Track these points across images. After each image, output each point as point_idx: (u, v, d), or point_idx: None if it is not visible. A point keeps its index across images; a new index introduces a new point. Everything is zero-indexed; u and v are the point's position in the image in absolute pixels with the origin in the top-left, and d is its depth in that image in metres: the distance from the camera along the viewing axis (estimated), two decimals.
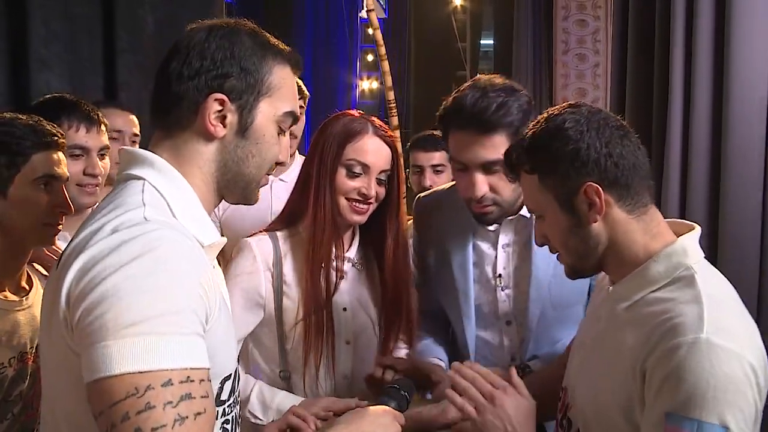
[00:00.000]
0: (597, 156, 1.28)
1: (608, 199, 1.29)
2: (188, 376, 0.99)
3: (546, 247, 1.80)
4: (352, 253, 1.91)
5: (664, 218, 1.37)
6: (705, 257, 1.34)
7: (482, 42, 9.30)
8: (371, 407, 1.36)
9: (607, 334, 1.34)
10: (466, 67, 8.86)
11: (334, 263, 1.85)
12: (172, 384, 0.97)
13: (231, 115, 1.21)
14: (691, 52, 2.26)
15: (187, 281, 1.04)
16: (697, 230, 1.36)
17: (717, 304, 1.22)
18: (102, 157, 2.07)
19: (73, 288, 1.02)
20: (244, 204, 1.33)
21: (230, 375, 1.22)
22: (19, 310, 1.65)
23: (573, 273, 1.42)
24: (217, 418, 1.18)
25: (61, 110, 1.98)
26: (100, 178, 2.05)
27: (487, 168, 1.74)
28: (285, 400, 1.77)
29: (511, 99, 1.72)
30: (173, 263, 1.04)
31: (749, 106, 2.11)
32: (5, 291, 1.64)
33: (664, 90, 2.36)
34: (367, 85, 9.80)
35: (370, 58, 9.51)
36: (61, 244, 1.85)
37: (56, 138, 1.67)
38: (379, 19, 9.21)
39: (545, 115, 1.35)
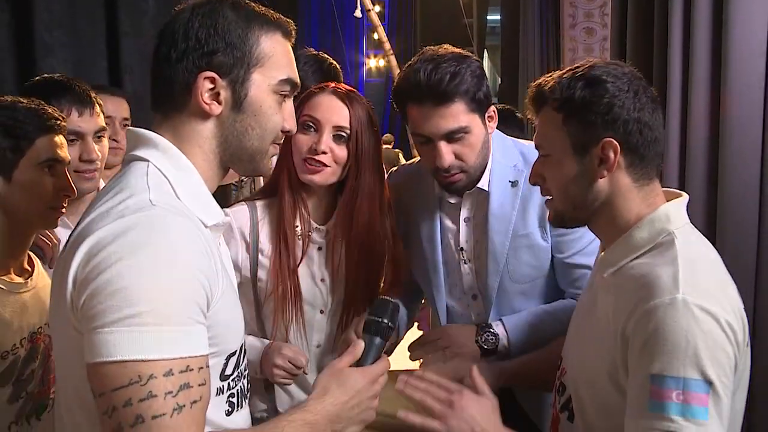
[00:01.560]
0: (628, 117, 1.30)
1: (620, 161, 1.31)
2: (188, 365, 1.04)
3: (502, 222, 1.85)
4: (331, 224, 1.89)
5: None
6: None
7: (489, 17, 9.23)
8: (343, 373, 1.31)
9: (595, 301, 1.38)
10: (473, 43, 8.81)
11: (299, 230, 1.85)
12: (172, 374, 1.02)
13: (224, 91, 1.21)
14: (690, 23, 2.26)
15: (189, 271, 1.08)
16: (684, 197, 1.39)
17: (693, 264, 1.25)
18: (99, 140, 1.99)
19: (79, 271, 1.05)
20: (257, 175, 1.34)
21: (235, 351, 1.25)
22: (25, 292, 1.69)
23: (558, 219, 1.44)
24: (222, 393, 1.22)
25: (51, 93, 1.91)
26: (98, 162, 1.98)
27: (450, 137, 1.76)
28: (251, 351, 1.77)
29: (463, 66, 1.73)
30: (176, 253, 1.07)
31: (747, 85, 2.10)
32: (10, 273, 1.68)
33: (662, 69, 2.36)
34: (374, 63, 9.76)
35: (376, 36, 9.47)
36: (59, 229, 1.89)
37: (58, 121, 1.69)
38: None
39: (589, 62, 1.36)
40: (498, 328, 1.87)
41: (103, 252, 1.04)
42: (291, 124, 1.32)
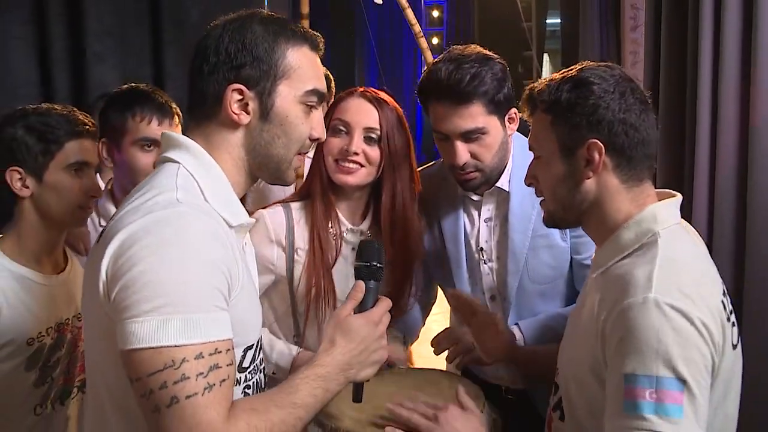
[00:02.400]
0: (612, 119, 1.30)
1: (606, 162, 1.32)
2: (216, 348, 1.12)
3: (522, 221, 1.87)
4: (365, 225, 1.94)
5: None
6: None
7: (548, 21, 9.12)
8: (347, 322, 1.34)
9: (585, 301, 1.38)
10: (532, 47, 8.72)
11: (333, 231, 1.89)
12: (202, 357, 1.11)
13: (252, 102, 1.29)
14: (720, 24, 2.22)
15: (212, 262, 1.16)
16: (677, 198, 1.38)
17: (670, 263, 1.24)
18: None
19: (111, 264, 1.14)
20: (282, 185, 1.41)
21: (252, 345, 1.33)
22: (56, 284, 1.80)
23: (549, 220, 1.45)
24: (239, 384, 1.29)
25: (134, 101, 2.04)
26: None
27: (467, 136, 1.79)
28: (281, 358, 1.84)
29: (485, 69, 1.76)
30: (200, 247, 1.15)
31: None
32: (43, 267, 1.79)
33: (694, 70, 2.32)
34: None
35: (435, 41, 9.48)
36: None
37: (87, 127, 1.80)
38: (442, 0, 9.21)
39: (580, 65, 1.37)
40: (514, 330, 1.87)
41: (134, 246, 1.12)
42: (320, 132, 1.38)
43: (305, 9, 3.03)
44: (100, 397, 1.26)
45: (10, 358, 1.69)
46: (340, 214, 1.90)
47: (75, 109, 1.83)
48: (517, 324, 1.90)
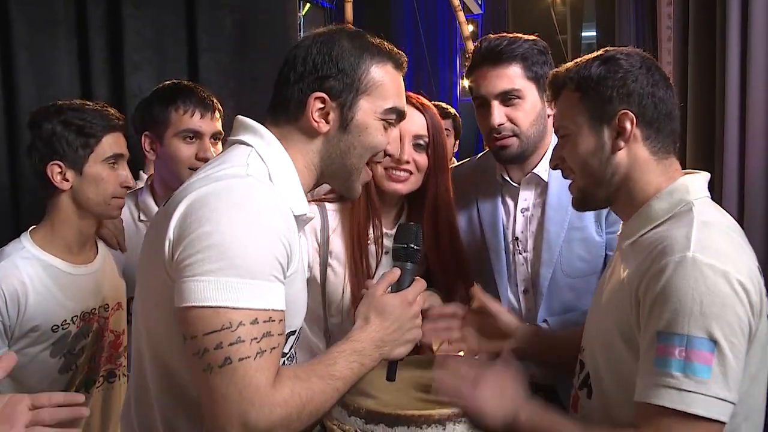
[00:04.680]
0: (642, 91, 1.34)
1: (636, 134, 1.35)
2: (270, 317, 1.18)
3: (558, 212, 1.87)
4: None
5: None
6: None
7: (584, 34, 9.07)
8: (381, 301, 1.38)
9: (613, 271, 1.39)
10: (567, 60, 8.70)
11: (380, 240, 1.90)
12: (257, 322, 1.15)
13: (333, 112, 1.35)
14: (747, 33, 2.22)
15: (276, 234, 1.21)
16: (705, 174, 1.40)
17: (707, 227, 1.25)
18: (215, 142, 2.16)
19: (179, 224, 1.19)
20: (348, 197, 1.47)
21: (295, 331, 1.38)
22: (84, 275, 1.87)
23: (580, 200, 1.46)
24: None
25: (177, 94, 2.13)
26: None
27: (504, 98, 1.84)
28: None
29: (525, 40, 1.85)
30: (265, 215, 1.21)
31: None
32: (73, 256, 1.86)
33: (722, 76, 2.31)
34: (467, 82, 9.77)
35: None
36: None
37: (119, 121, 1.89)
38: (476, 15, 9.23)
39: (603, 49, 1.41)
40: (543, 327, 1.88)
41: (203, 208, 1.18)
42: (394, 149, 1.49)
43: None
44: (143, 375, 1.31)
45: (35, 343, 1.77)
46: (378, 221, 1.91)
47: (106, 104, 1.92)
48: (545, 320, 1.90)
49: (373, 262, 1.90)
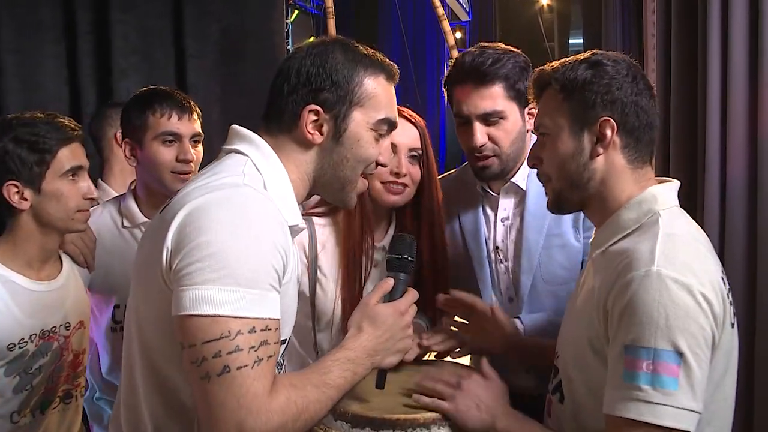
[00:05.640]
0: (626, 99, 1.35)
1: (616, 141, 1.36)
2: (267, 326, 1.18)
3: (537, 219, 1.89)
4: (387, 240, 1.95)
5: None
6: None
7: (571, 41, 9.15)
8: (374, 310, 1.40)
9: (585, 280, 1.41)
10: None
11: (369, 252, 1.90)
12: (255, 331, 1.16)
13: (326, 124, 1.36)
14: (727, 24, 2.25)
15: (272, 244, 1.21)
16: (674, 182, 1.42)
17: (672, 240, 1.27)
18: (195, 144, 2.13)
19: (177, 233, 1.20)
20: (343, 207, 1.47)
21: (285, 341, 1.38)
22: (46, 291, 1.80)
23: (556, 202, 1.47)
24: None
25: (153, 98, 2.09)
26: (192, 164, 2.08)
27: (486, 119, 1.83)
28: None
29: (508, 56, 1.82)
30: (263, 224, 1.21)
31: None
32: (33, 273, 1.79)
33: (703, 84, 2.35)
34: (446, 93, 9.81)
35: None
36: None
37: (75, 131, 1.81)
38: (464, 22, 9.28)
39: (591, 51, 1.42)
40: (516, 323, 1.88)
41: (202, 218, 1.19)
42: (386, 158, 1.49)
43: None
44: (135, 383, 1.31)
45: None
46: (369, 234, 1.91)
47: (57, 114, 1.84)
48: (518, 317, 1.90)
49: (363, 277, 1.90)
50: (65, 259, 1.91)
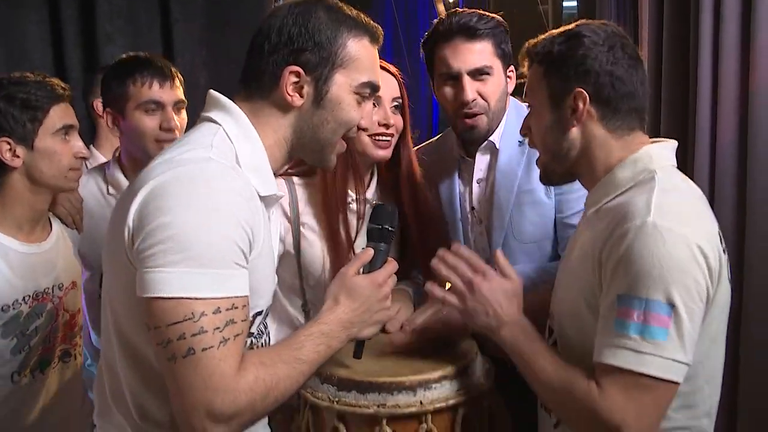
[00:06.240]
0: (599, 70, 1.34)
1: (591, 112, 1.36)
2: (233, 304, 1.16)
3: (507, 177, 1.91)
4: (370, 193, 1.94)
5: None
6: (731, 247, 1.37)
7: (565, 4, 9.03)
8: (351, 281, 1.37)
9: (579, 239, 1.41)
10: (548, 30, 8.66)
11: (354, 206, 1.89)
12: (220, 311, 1.15)
13: (307, 86, 1.32)
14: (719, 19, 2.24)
15: (236, 220, 1.18)
16: (672, 142, 1.42)
17: (668, 192, 1.27)
18: (178, 111, 2.11)
19: (138, 212, 1.17)
20: (322, 167, 1.44)
21: (261, 311, 1.36)
22: (36, 254, 1.81)
23: (545, 175, 1.49)
24: (245, 347, 1.31)
25: (134, 67, 2.07)
26: (176, 131, 2.06)
27: (475, 75, 1.85)
28: None
29: (490, 18, 1.86)
30: (226, 202, 1.18)
31: None
32: (25, 234, 1.80)
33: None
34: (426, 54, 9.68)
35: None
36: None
37: (65, 92, 1.81)
38: None
39: (578, 22, 1.42)
40: None
41: (162, 197, 1.16)
42: (367, 123, 1.47)
43: None
44: (112, 349, 1.30)
45: None
46: (357, 187, 1.90)
47: (47, 75, 1.84)
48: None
49: (352, 231, 1.89)
50: (54, 222, 1.92)
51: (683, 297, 1.19)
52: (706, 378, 1.32)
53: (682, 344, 1.20)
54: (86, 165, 2.25)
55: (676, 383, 1.21)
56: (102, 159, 2.52)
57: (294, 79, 1.31)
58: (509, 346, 1.39)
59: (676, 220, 1.22)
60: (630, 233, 1.22)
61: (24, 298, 1.77)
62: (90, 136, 2.65)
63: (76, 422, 1.95)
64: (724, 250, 1.32)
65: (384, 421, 1.43)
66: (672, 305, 1.19)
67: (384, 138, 1.84)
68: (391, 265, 1.44)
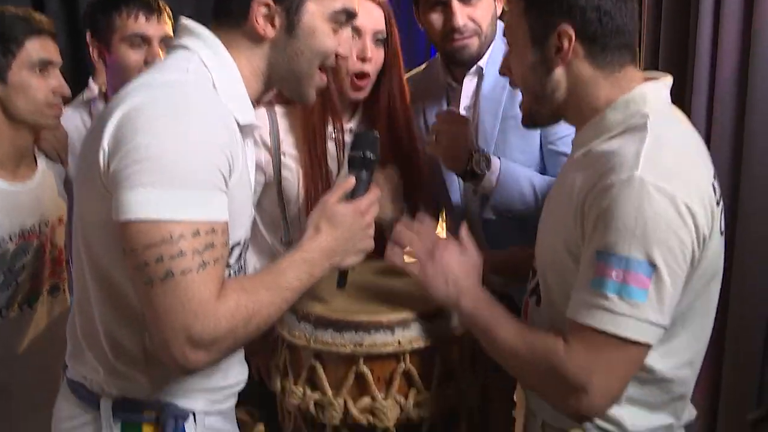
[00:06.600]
0: (585, 5, 1.24)
1: (577, 50, 1.26)
2: (213, 228, 1.13)
3: (492, 102, 1.87)
4: (354, 123, 1.91)
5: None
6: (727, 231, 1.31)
7: None
8: (332, 209, 1.33)
9: (563, 182, 1.34)
10: None
11: (334, 135, 1.86)
12: (199, 234, 1.11)
13: (278, 17, 1.27)
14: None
15: (215, 142, 1.15)
16: (667, 78, 1.32)
17: (659, 144, 1.19)
18: (165, 47, 2.04)
19: (113, 134, 1.13)
20: (302, 101, 1.40)
21: (239, 242, 1.33)
22: (22, 192, 1.80)
23: (528, 117, 1.40)
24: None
25: (121, 0, 2.02)
26: None
27: None
28: None
29: None
30: (205, 123, 1.14)
31: None
32: (8, 172, 1.79)
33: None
34: None
35: None
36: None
37: (46, 26, 1.77)
38: None
39: None
40: (494, 161, 1.81)
41: (139, 118, 1.11)
42: (345, 50, 1.41)
43: None
44: (85, 285, 1.27)
45: None
46: (337, 118, 1.86)
47: (31, 9, 1.81)
48: (500, 158, 1.84)
49: (333, 164, 1.85)
50: (40, 158, 1.90)
51: (666, 258, 1.13)
52: (683, 324, 1.26)
53: (660, 306, 1.14)
54: (83, 98, 2.23)
55: (650, 345, 1.16)
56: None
57: (264, 10, 1.26)
58: (469, 316, 1.34)
59: (665, 175, 1.14)
60: (615, 187, 1.15)
61: (10, 237, 1.77)
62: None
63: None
64: (718, 202, 1.25)
65: (361, 360, 1.40)
66: (653, 265, 1.12)
67: (361, 77, 1.79)
68: (374, 193, 1.40)
